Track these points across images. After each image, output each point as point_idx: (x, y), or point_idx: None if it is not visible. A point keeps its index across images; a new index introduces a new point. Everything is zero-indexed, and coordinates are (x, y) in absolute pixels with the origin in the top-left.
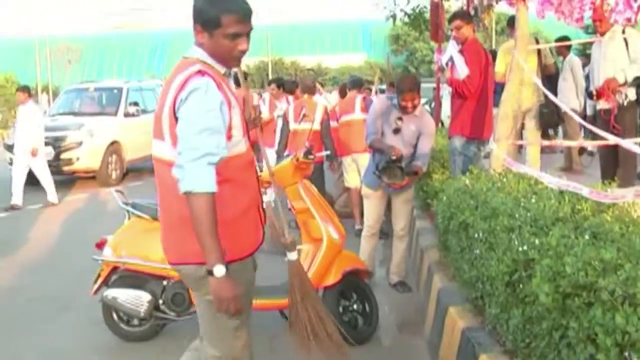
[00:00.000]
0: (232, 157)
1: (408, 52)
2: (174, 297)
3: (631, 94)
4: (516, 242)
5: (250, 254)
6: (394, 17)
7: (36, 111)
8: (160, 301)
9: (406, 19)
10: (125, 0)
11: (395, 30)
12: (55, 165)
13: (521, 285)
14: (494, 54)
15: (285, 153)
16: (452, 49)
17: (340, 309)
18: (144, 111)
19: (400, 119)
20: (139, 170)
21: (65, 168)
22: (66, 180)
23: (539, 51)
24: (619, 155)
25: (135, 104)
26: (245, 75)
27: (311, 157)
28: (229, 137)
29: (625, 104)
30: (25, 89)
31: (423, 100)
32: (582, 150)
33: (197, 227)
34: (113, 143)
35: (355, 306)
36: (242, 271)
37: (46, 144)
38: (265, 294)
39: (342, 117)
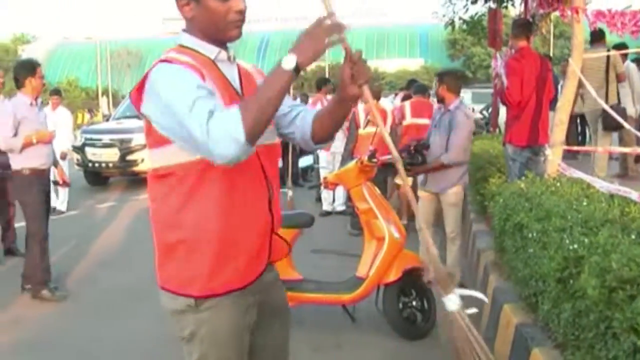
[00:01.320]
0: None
1: (465, 57)
2: None
3: None
4: (567, 241)
5: (237, 288)
6: (452, 24)
7: (68, 115)
8: None
9: (464, 27)
10: None
11: (452, 35)
12: (122, 167)
13: (571, 281)
14: (551, 59)
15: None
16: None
17: (400, 305)
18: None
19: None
20: None
21: (131, 169)
22: (132, 181)
23: (607, 58)
24: None
25: None
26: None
27: (374, 160)
28: None
29: None
30: (57, 92)
31: (481, 106)
32: (638, 158)
33: (270, 107)
34: None
35: (414, 303)
36: (223, 312)
37: (112, 145)
38: (331, 290)
39: (412, 119)
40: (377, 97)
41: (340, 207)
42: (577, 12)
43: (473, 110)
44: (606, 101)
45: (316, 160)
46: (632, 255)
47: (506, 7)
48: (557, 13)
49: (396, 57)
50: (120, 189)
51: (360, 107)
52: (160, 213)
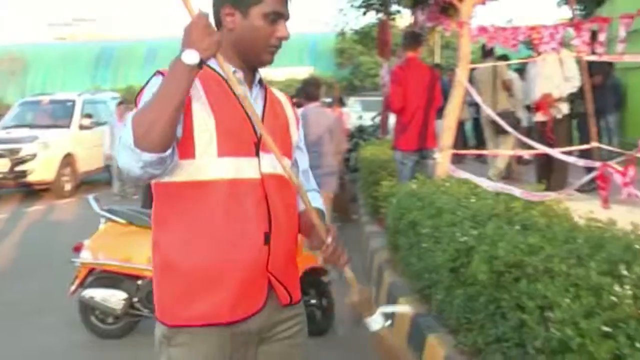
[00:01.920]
0: (199, 181)
1: (353, 65)
2: (147, 295)
3: (565, 108)
4: (458, 234)
5: (215, 323)
6: (343, 34)
7: None
8: (135, 299)
9: (355, 37)
10: (69, 10)
11: (341, 44)
12: (10, 178)
13: (462, 270)
14: (442, 68)
15: None
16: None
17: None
18: (98, 123)
19: None
20: (92, 182)
21: (20, 180)
22: (20, 192)
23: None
24: (553, 163)
25: (89, 116)
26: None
27: None
28: (184, 153)
29: (560, 117)
30: None
31: (372, 114)
32: (519, 160)
33: (167, 108)
34: (67, 155)
35: (313, 301)
36: (200, 346)
37: (1, 156)
38: None
39: None
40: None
41: None
42: (461, 27)
43: (361, 117)
44: (496, 108)
45: None
46: (516, 243)
47: (394, 19)
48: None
49: (286, 66)
50: (11, 200)
51: None
52: (153, 230)
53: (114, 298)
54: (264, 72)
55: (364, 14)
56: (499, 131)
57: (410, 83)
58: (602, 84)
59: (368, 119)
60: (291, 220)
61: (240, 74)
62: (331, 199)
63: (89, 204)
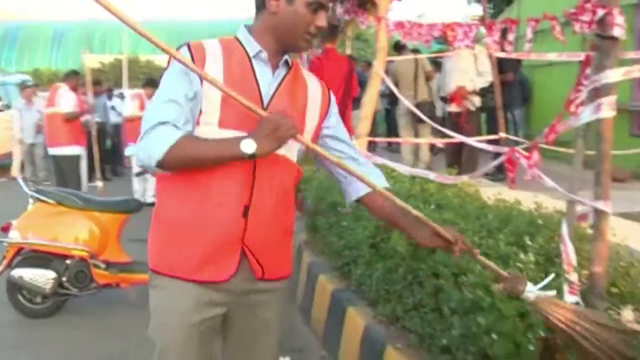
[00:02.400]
0: None
1: None
2: (76, 274)
3: (477, 101)
4: None
5: (184, 278)
6: None
7: None
8: (64, 278)
9: None
10: None
11: None
12: None
13: (382, 245)
14: (356, 60)
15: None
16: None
17: None
18: (7, 106)
19: None
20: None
21: None
22: None
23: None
24: (463, 152)
25: None
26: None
27: None
28: (197, 123)
29: (472, 109)
30: None
31: None
32: (431, 149)
33: (200, 162)
34: None
35: None
36: (171, 295)
37: None
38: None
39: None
40: None
41: (150, 198)
42: (379, 21)
43: None
44: (416, 98)
45: None
46: (432, 219)
47: None
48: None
49: None
50: None
51: None
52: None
53: (42, 277)
54: None
55: None
56: (418, 121)
57: (328, 73)
58: (511, 80)
59: None
60: (281, 200)
61: (264, 54)
62: None
63: (18, 184)
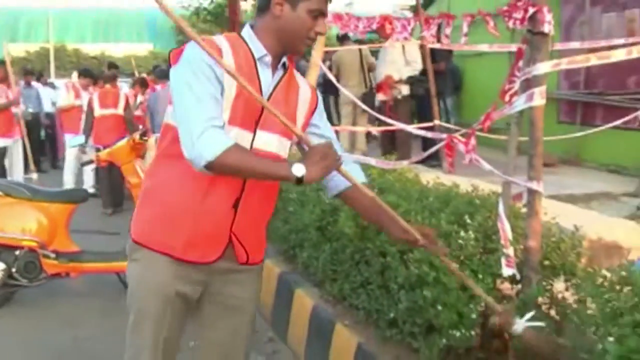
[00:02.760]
0: None
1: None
2: (26, 265)
3: (405, 90)
4: (323, 197)
5: (171, 255)
6: (197, 14)
7: None
8: (13, 269)
9: (209, 17)
10: None
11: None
12: None
13: (329, 227)
14: None
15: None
16: None
17: None
18: None
19: None
20: None
21: None
22: None
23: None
24: (396, 140)
25: None
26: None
27: (145, 138)
28: None
29: (400, 97)
30: None
31: None
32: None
33: (248, 173)
34: None
35: None
36: (152, 266)
37: None
38: (109, 258)
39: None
40: (113, 81)
41: (90, 189)
42: None
43: None
44: (362, 88)
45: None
46: None
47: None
48: None
49: (124, 42)
50: None
51: (96, 94)
52: (156, 162)
53: None
54: (103, 48)
55: None
56: (363, 110)
57: None
58: (443, 69)
59: None
60: (267, 194)
61: (269, 58)
62: None
63: None
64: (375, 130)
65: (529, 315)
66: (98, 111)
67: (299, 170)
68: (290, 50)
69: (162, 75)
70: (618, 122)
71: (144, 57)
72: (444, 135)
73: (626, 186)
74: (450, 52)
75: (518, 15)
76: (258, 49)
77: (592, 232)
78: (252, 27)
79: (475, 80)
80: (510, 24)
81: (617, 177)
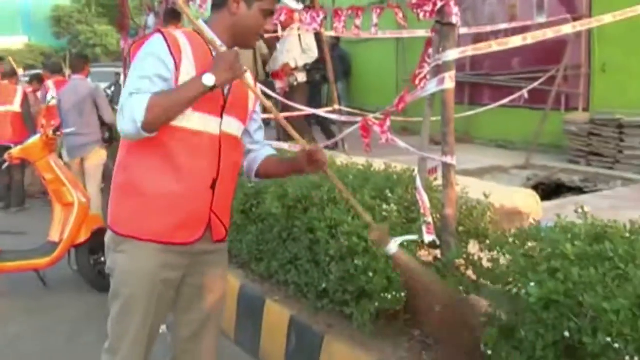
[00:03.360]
0: (173, 126)
1: (71, 35)
2: None
3: (301, 77)
4: (245, 181)
5: (159, 241)
6: (89, 5)
7: None
8: None
9: (101, 10)
10: None
11: (57, 12)
12: None
13: (253, 210)
14: None
15: None
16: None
17: (92, 262)
18: None
19: None
20: None
21: None
22: None
23: None
24: (294, 126)
25: None
26: None
27: (58, 133)
28: None
29: (295, 84)
30: None
31: (106, 84)
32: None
33: (177, 108)
34: None
35: (103, 259)
36: (140, 256)
37: None
38: (28, 257)
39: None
40: (11, 77)
41: None
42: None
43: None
44: (258, 77)
45: None
46: (300, 183)
47: None
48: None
49: None
50: None
51: None
52: (119, 156)
53: None
54: None
55: None
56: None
57: None
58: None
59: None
60: (233, 173)
61: (224, 49)
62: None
63: None
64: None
65: (402, 238)
66: None
67: (209, 80)
68: (242, 45)
69: (56, 69)
70: (505, 101)
71: (19, 51)
72: (359, 119)
73: (515, 160)
74: (337, 39)
75: (428, 8)
76: (222, 41)
77: (494, 201)
78: (206, 22)
79: (364, 65)
80: (421, 15)
81: (506, 151)
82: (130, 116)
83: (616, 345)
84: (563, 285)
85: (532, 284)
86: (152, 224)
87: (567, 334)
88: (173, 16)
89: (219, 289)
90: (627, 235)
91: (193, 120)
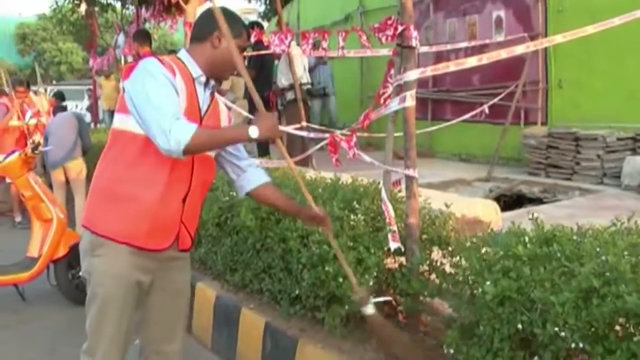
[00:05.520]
0: (152, 142)
1: (36, 52)
2: None
3: (290, 95)
4: (220, 196)
5: (134, 245)
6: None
7: None
8: None
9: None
10: None
11: (22, 29)
12: None
13: (228, 222)
14: None
15: None
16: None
17: (70, 277)
18: None
19: None
20: None
21: None
22: None
23: None
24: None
25: None
26: None
27: (37, 152)
28: None
29: (285, 103)
30: None
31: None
32: None
33: (217, 144)
34: None
35: (81, 273)
36: (115, 258)
37: None
38: (7, 271)
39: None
40: None
41: None
42: (189, 27)
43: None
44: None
45: None
46: None
47: (106, 11)
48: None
49: None
50: None
51: None
52: (99, 164)
53: None
54: None
55: (78, 6)
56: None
57: None
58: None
59: (72, 107)
60: (203, 189)
61: (203, 78)
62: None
63: None
64: None
65: (376, 300)
66: None
67: (254, 132)
68: (218, 76)
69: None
70: (466, 116)
71: None
72: (327, 135)
73: (477, 173)
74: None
75: (389, 32)
76: (195, 70)
77: (455, 211)
78: (187, 51)
79: None
80: (383, 39)
81: (468, 165)
82: (176, 137)
83: (563, 334)
84: (516, 283)
85: (488, 282)
86: (129, 227)
87: (520, 326)
88: (144, 38)
89: (186, 293)
90: (574, 237)
91: None
